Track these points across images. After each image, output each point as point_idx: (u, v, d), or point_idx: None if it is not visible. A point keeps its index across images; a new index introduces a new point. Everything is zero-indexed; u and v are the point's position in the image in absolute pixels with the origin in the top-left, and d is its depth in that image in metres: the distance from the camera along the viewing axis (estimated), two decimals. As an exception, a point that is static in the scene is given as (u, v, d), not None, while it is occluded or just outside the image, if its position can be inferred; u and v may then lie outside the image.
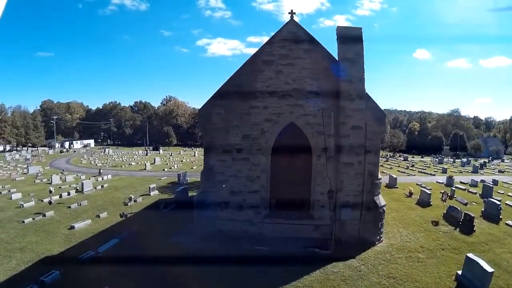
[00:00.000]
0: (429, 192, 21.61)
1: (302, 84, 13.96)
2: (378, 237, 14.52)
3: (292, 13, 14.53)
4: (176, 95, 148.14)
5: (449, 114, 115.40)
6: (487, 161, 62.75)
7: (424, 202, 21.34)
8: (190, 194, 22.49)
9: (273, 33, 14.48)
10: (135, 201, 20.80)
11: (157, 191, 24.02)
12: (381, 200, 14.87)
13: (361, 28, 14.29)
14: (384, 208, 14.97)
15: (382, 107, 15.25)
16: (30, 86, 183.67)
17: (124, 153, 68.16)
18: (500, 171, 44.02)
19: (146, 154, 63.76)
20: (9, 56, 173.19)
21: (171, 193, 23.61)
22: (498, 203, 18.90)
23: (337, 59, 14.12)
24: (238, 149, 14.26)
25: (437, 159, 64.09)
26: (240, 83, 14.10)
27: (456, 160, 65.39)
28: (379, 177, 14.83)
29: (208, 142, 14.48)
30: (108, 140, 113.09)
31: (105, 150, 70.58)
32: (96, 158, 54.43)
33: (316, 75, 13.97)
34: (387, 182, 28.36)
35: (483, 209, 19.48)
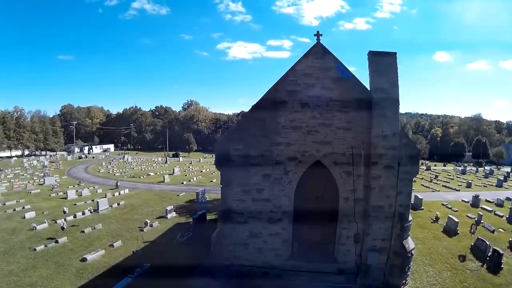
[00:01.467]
0: (456, 220, 20.39)
1: (330, 118, 12.59)
2: (404, 281, 13.40)
3: (318, 35, 13.14)
4: (197, 99, 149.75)
5: (471, 119, 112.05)
6: (510, 170, 60.40)
7: (451, 230, 20.22)
8: (208, 217, 21.71)
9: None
10: (151, 225, 20.09)
11: (174, 212, 23.25)
12: (410, 243, 13.55)
13: (396, 54, 12.77)
14: (413, 251, 13.77)
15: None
16: (51, 91, 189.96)
17: (143, 160, 68.14)
18: None
19: (166, 162, 63.40)
20: (30, 59, 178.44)
21: (189, 215, 22.81)
22: None
23: (369, 88, 12.76)
24: (259, 189, 13.11)
25: (459, 168, 62.64)
26: (261, 116, 12.87)
27: (479, 168, 63.54)
28: (409, 219, 13.51)
29: (226, 181, 13.34)
30: (128, 145, 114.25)
31: (124, 157, 70.67)
32: (115, 166, 54.57)
33: (346, 108, 12.55)
34: (412, 203, 26.79)
35: (510, 239, 18.42)
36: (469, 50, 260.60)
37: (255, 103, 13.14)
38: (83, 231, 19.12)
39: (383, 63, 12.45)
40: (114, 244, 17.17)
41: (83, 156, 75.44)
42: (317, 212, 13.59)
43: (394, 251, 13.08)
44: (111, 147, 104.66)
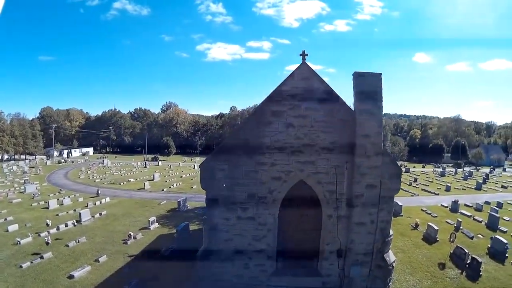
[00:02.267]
0: (436, 228, 20.96)
1: (314, 138, 12.74)
2: (385, 291, 13.86)
3: (304, 54, 13.19)
4: (176, 100, 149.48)
5: (450, 120, 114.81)
6: (489, 171, 63.22)
7: (430, 237, 20.78)
8: (191, 227, 21.65)
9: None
10: (134, 238, 19.89)
11: (157, 223, 23.06)
12: (391, 256, 14.08)
13: (381, 74, 12.94)
14: (394, 264, 14.29)
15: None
16: (31, 92, 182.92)
17: (123, 165, 67.15)
18: (503, 187, 43.60)
19: (145, 167, 62.69)
20: (10, 60, 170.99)
21: (171, 226, 22.69)
22: (505, 241, 18.43)
23: (353, 109, 12.96)
24: (244, 208, 13.19)
25: (439, 170, 64.50)
26: (246, 136, 12.89)
27: (458, 170, 65.82)
28: (390, 234, 13.97)
29: (211, 200, 13.34)
30: (107, 148, 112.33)
31: (103, 161, 69.31)
32: (95, 172, 53.55)
33: (330, 128, 12.74)
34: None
35: (489, 246, 19.11)
36: (449, 51, 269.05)
37: (240, 124, 13.10)
38: (67, 245, 18.75)
39: (368, 84, 12.58)
40: (99, 259, 16.91)
41: (63, 160, 73.53)
42: (301, 228, 13.89)
43: (376, 264, 13.47)
44: (90, 150, 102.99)
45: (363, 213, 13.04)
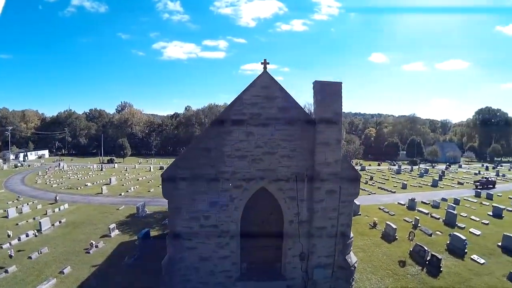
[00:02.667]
0: (394, 226, 21.69)
1: (274, 147, 12.87)
2: (349, 291, 14.45)
3: (265, 63, 13.17)
4: (131, 100, 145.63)
5: (405, 119, 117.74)
6: (444, 168, 66.09)
7: (389, 236, 21.46)
8: (152, 233, 21.48)
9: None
10: (96, 246, 19.29)
11: (117, 230, 22.51)
12: (352, 258, 14.72)
13: (341, 83, 13.23)
14: (356, 265, 14.92)
15: None
16: None
17: (79, 168, 64.98)
18: (459, 183, 45.62)
19: (101, 169, 61.19)
20: None
21: (132, 233, 22.30)
22: (464, 238, 19.42)
23: (314, 117, 13.19)
24: (206, 216, 13.14)
25: (394, 167, 66.36)
26: (207, 145, 12.76)
27: (414, 167, 67.94)
28: (351, 236, 14.54)
29: (173, 208, 13.14)
30: (63, 150, 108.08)
31: (59, 164, 66.47)
32: (51, 176, 51.32)
33: (290, 136, 12.92)
34: None
35: (448, 242, 20.01)
36: (405, 52, 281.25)
37: (201, 133, 12.94)
38: (30, 257, 17.85)
39: (328, 92, 12.83)
40: (64, 270, 16.23)
41: (19, 164, 69.35)
42: (263, 234, 14.07)
43: (338, 265, 14.05)
44: (45, 153, 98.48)
45: (324, 218, 13.45)
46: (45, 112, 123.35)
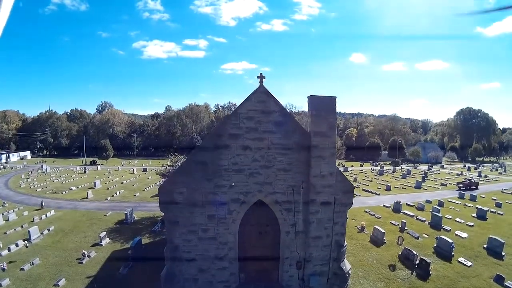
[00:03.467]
0: (382, 230, 22.18)
1: (271, 160, 13.11)
2: (343, 297, 14.93)
3: (261, 77, 13.35)
4: (111, 99, 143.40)
5: (386, 119, 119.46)
6: (427, 168, 67.15)
7: (378, 240, 21.90)
8: (143, 241, 21.38)
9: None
10: (88, 256, 19.05)
11: (108, 238, 22.20)
12: (346, 265, 15.17)
13: (335, 98, 13.58)
14: (350, 271, 15.36)
15: None
16: None
17: (62, 170, 63.63)
18: (442, 184, 46.50)
19: (84, 172, 60.03)
20: None
21: (123, 241, 22.08)
22: (450, 241, 20.07)
23: (308, 130, 13.48)
24: (204, 229, 13.28)
25: (377, 168, 67.26)
26: (204, 159, 12.88)
27: (396, 168, 68.74)
28: (345, 245, 14.97)
29: (171, 222, 13.22)
30: (45, 151, 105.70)
31: (42, 166, 64.88)
32: (35, 179, 50.14)
33: (286, 150, 13.17)
34: None
35: (435, 245, 20.62)
36: (385, 52, 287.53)
37: (199, 145, 13.02)
38: (22, 269, 17.43)
39: (323, 107, 13.18)
40: (58, 283, 15.90)
41: (1, 166, 67.46)
42: (261, 244, 14.37)
43: (333, 273, 14.49)
44: (27, 154, 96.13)
45: (319, 228, 13.84)
46: (26, 112, 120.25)
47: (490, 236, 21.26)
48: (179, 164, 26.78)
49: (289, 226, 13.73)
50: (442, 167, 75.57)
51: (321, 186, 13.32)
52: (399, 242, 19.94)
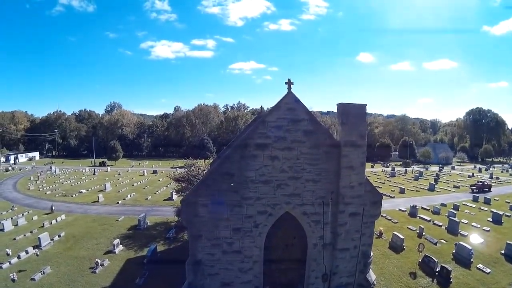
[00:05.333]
0: (401, 237, 21.78)
1: (299, 171, 12.54)
2: (369, 308, 14.48)
3: (289, 83, 12.70)
4: (119, 100, 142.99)
5: (395, 119, 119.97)
6: (438, 170, 66.91)
7: (397, 246, 21.48)
8: (158, 248, 20.83)
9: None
10: (102, 265, 18.49)
11: (121, 245, 21.62)
12: (372, 276, 14.80)
13: (366, 106, 13.01)
14: (375, 282, 14.92)
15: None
16: None
17: (71, 172, 63.32)
18: (455, 187, 45.99)
19: (94, 173, 59.53)
20: None
21: (137, 248, 21.54)
22: (469, 247, 19.65)
23: (338, 139, 12.88)
24: (229, 242, 12.74)
25: (388, 169, 67.10)
26: (230, 170, 12.29)
27: (407, 169, 68.40)
28: (371, 255, 14.45)
29: (194, 236, 12.66)
30: (53, 152, 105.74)
31: (51, 168, 64.53)
32: (44, 181, 49.68)
33: (315, 160, 12.60)
34: None
35: (454, 251, 20.24)
36: (392, 51, 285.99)
37: (223, 155, 12.46)
38: (33, 279, 16.86)
39: (353, 115, 12.61)
40: None
41: (10, 168, 67.07)
42: (286, 258, 13.83)
43: (358, 283, 14.02)
44: (36, 155, 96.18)
45: (347, 240, 13.33)
46: (34, 113, 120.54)
47: (508, 242, 20.78)
48: (193, 169, 26.26)
49: (317, 238, 13.19)
50: (453, 168, 75.08)
51: (350, 197, 12.77)
52: (420, 249, 19.46)
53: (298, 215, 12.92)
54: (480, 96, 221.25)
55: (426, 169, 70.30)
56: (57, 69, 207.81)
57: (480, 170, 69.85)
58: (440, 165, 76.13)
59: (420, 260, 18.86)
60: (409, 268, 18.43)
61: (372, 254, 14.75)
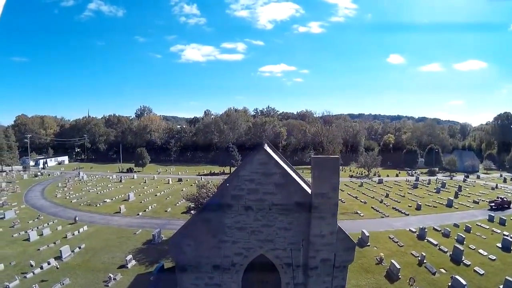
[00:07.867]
0: (398, 267, 21.83)
1: (272, 220, 13.80)
2: None
3: (265, 141, 14.02)
4: (149, 104, 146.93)
5: (424, 125, 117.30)
6: (463, 179, 65.33)
7: (393, 275, 21.69)
8: (167, 264, 22.61)
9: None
10: (114, 279, 20.99)
11: (134, 260, 24.01)
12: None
13: (338, 158, 13.95)
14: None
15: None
16: (5, 98, 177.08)
17: (99, 178, 68.20)
18: (475, 202, 44.72)
19: (120, 181, 63.75)
20: None
21: (148, 263, 23.77)
22: (464, 283, 19.34)
23: (310, 192, 13.90)
24: (210, 276, 14.40)
25: (412, 179, 66.34)
26: (208, 217, 13.91)
27: (431, 178, 67.35)
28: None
29: (180, 270, 14.51)
30: (82, 156, 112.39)
31: (79, 174, 69.69)
32: (71, 188, 54.12)
33: (287, 210, 13.76)
34: (360, 238, 28.31)
35: (449, 284, 20.07)
36: (422, 52, 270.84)
37: (205, 203, 14.03)
38: None
39: (326, 168, 13.40)
40: None
41: (39, 173, 72.66)
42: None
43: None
44: (65, 159, 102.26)
45: (318, 282, 14.36)
46: (64, 117, 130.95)
47: (507, 277, 20.31)
48: (204, 190, 28.06)
49: (289, 278, 14.40)
50: (478, 177, 72.34)
51: (320, 244, 13.77)
52: (410, 283, 19.77)
53: (271, 257, 14.24)
54: (510, 98, 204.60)
55: (451, 178, 68.84)
56: (86, 74, 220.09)
57: (505, 180, 66.64)
58: (466, 174, 73.62)
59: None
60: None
61: (347, 292, 15.60)
